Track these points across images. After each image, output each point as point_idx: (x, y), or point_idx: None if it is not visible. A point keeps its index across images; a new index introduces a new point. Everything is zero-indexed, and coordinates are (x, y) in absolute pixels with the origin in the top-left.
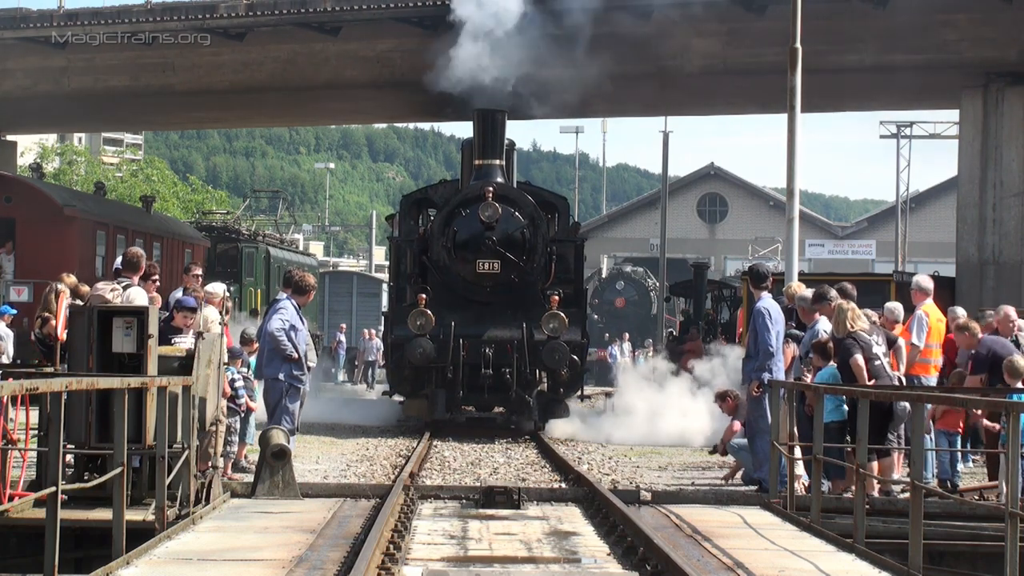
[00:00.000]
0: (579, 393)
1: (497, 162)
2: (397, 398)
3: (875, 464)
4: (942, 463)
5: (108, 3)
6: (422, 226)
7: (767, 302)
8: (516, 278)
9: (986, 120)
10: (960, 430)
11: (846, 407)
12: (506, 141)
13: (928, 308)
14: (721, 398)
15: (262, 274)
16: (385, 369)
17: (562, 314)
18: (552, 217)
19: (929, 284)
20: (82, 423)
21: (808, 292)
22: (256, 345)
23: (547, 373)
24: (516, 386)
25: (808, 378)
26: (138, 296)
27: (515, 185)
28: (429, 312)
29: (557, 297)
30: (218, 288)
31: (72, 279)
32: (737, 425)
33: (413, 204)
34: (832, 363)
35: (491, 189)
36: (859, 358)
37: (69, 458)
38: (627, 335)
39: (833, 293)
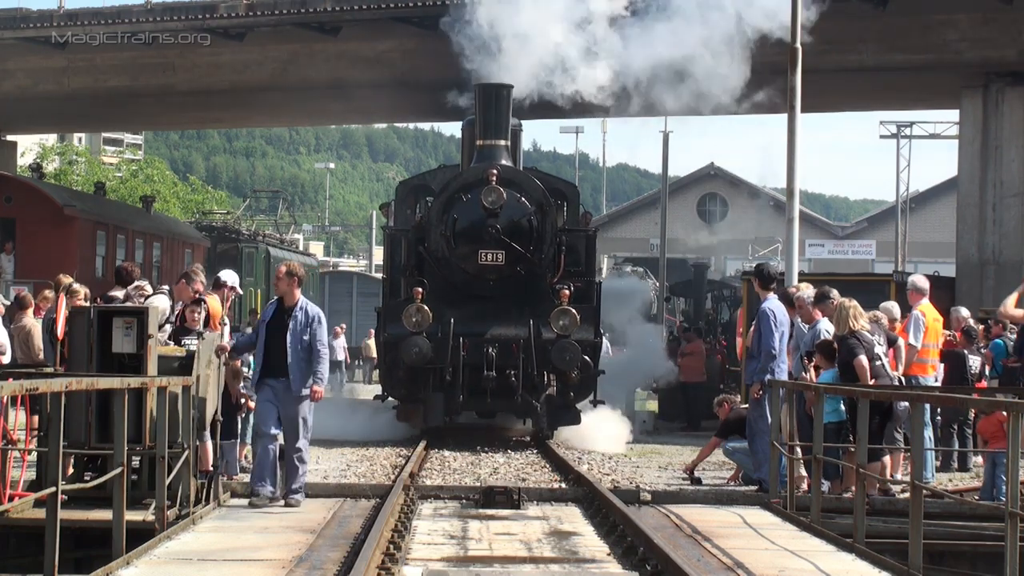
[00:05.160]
0: (591, 398)
1: (502, 143)
2: (391, 401)
3: (877, 464)
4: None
5: (108, 3)
6: (419, 214)
7: (772, 303)
8: (522, 270)
9: (986, 120)
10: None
11: (844, 408)
12: (512, 122)
13: (924, 308)
14: (719, 405)
15: (262, 274)
16: (377, 369)
17: (573, 310)
18: (561, 205)
19: (925, 284)
20: (82, 423)
21: (810, 291)
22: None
23: (556, 375)
24: (522, 390)
25: (807, 376)
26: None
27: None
28: (426, 308)
29: (567, 292)
30: (229, 276)
31: (68, 280)
32: (714, 442)
33: (410, 191)
34: (835, 366)
35: (495, 172)
36: (863, 359)
37: (69, 458)
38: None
39: (835, 293)
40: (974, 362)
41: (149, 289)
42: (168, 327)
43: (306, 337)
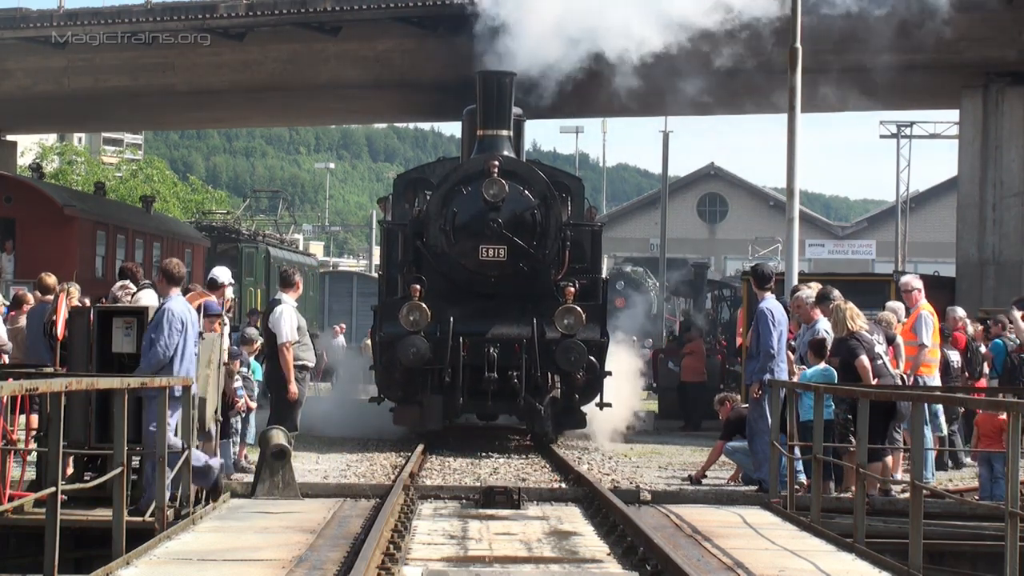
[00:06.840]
0: (597, 400)
1: (504, 133)
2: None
3: (879, 464)
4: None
5: (108, 3)
6: (418, 208)
7: (770, 303)
8: (525, 266)
9: (986, 120)
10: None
11: (834, 407)
12: (515, 112)
13: (926, 307)
14: (720, 403)
15: (262, 274)
16: (374, 370)
17: (578, 308)
18: (565, 199)
19: (919, 283)
20: (82, 423)
21: (811, 290)
22: (257, 345)
23: (561, 377)
24: (525, 392)
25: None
26: (145, 297)
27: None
28: (424, 306)
29: (572, 289)
30: (223, 274)
31: (51, 279)
32: (720, 446)
33: (408, 185)
34: (822, 363)
35: (496, 163)
36: (864, 359)
37: (69, 458)
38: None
39: (836, 293)
40: (953, 357)
41: (133, 287)
42: None
43: (154, 335)
